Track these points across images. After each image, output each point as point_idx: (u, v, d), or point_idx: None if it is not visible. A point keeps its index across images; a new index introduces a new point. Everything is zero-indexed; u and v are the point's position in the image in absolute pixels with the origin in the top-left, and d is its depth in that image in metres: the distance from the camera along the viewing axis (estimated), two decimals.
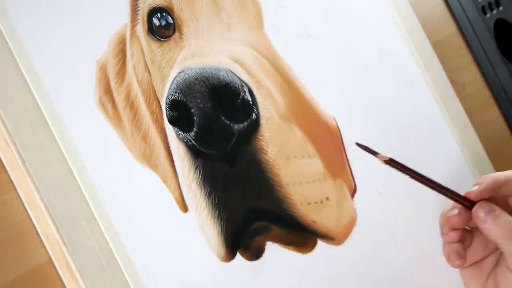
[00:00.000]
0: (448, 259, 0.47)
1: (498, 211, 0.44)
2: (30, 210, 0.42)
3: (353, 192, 0.51)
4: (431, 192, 0.47)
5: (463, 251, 0.46)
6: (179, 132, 0.44)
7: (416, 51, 0.59)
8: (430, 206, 0.54)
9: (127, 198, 0.43)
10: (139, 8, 0.47)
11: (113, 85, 0.45)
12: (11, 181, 0.42)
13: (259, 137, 0.46)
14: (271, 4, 0.52)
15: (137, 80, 0.46)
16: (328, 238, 0.49)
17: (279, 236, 0.47)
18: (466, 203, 0.46)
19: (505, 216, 0.43)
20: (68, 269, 0.41)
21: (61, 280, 0.42)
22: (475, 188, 0.45)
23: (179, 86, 0.44)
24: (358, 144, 0.48)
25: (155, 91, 0.46)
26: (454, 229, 0.47)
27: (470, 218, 0.46)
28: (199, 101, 0.43)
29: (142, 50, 0.46)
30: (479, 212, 0.44)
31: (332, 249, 0.49)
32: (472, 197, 0.45)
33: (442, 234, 0.47)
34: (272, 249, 0.47)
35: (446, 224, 0.47)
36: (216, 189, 0.45)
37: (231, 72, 0.45)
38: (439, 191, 0.46)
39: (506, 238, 0.42)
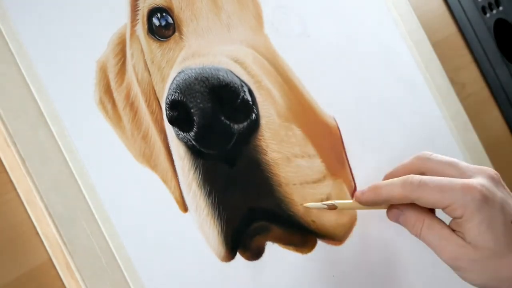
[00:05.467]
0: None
1: (404, 212, 0.43)
2: (30, 210, 0.42)
3: (353, 192, 0.51)
4: None
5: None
6: (179, 132, 0.44)
7: (416, 51, 0.59)
8: None
9: (127, 198, 0.43)
10: (139, 8, 0.47)
11: (113, 85, 0.45)
12: (11, 181, 0.42)
13: (259, 137, 0.46)
14: (271, 4, 0.52)
15: (137, 80, 0.46)
16: (328, 238, 0.49)
17: (279, 236, 0.47)
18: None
19: (411, 212, 0.43)
20: (68, 269, 0.41)
21: (61, 280, 0.41)
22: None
23: (179, 86, 0.44)
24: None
25: (155, 91, 0.46)
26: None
27: None
28: (199, 101, 0.43)
29: (142, 50, 0.46)
30: (391, 219, 0.45)
31: (332, 249, 0.49)
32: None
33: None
34: (272, 249, 0.47)
35: None
36: (216, 189, 0.45)
37: (231, 72, 0.45)
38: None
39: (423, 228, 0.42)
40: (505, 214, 0.40)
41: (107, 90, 0.44)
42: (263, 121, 0.46)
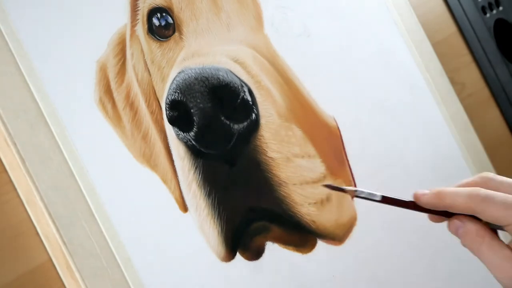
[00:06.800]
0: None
1: (466, 224, 0.43)
2: (30, 210, 0.42)
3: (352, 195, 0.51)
4: None
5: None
6: (179, 132, 0.44)
7: (416, 51, 0.59)
8: None
9: (127, 198, 0.43)
10: (139, 8, 0.47)
11: (113, 85, 0.45)
12: (11, 181, 0.42)
13: (259, 137, 0.46)
14: (271, 4, 0.52)
15: (137, 80, 0.46)
16: (328, 238, 0.49)
17: (279, 236, 0.47)
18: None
19: (473, 227, 0.43)
20: (68, 269, 0.41)
21: (61, 280, 0.42)
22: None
23: (179, 86, 0.44)
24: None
25: (155, 91, 0.46)
26: None
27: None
28: (198, 101, 0.43)
29: (142, 50, 0.46)
30: (450, 230, 0.44)
31: (332, 249, 0.49)
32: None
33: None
34: (272, 249, 0.47)
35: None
36: (216, 189, 0.45)
37: (231, 72, 0.45)
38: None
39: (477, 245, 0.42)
40: None
41: (107, 90, 0.44)
42: (263, 121, 0.46)
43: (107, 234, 0.42)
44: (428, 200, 0.44)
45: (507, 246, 0.41)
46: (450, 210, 0.44)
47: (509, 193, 0.42)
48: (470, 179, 0.45)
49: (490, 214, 0.41)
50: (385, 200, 0.44)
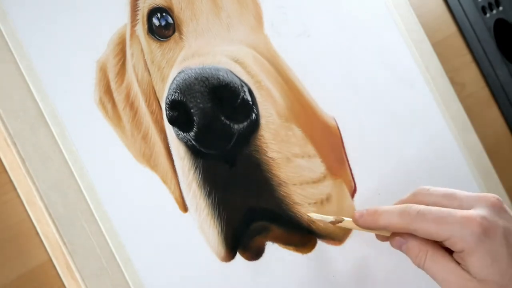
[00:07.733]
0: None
1: (408, 241, 0.42)
2: (30, 210, 0.42)
3: (353, 192, 0.51)
4: None
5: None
6: (179, 132, 0.44)
7: (416, 51, 0.59)
8: None
9: (127, 198, 0.43)
10: (139, 8, 0.47)
11: (113, 85, 0.45)
12: (11, 181, 0.42)
13: (259, 137, 0.46)
14: (271, 4, 0.52)
15: (137, 80, 0.46)
16: (328, 238, 0.49)
17: (279, 236, 0.47)
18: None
19: (414, 242, 0.41)
20: (68, 269, 0.41)
21: (61, 280, 0.42)
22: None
23: (179, 86, 0.44)
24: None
25: (155, 91, 0.46)
26: None
27: None
28: (198, 101, 0.43)
29: (142, 50, 0.46)
30: (394, 247, 0.43)
31: (332, 249, 0.49)
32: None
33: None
34: (272, 249, 0.47)
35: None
36: (216, 189, 0.45)
37: (231, 72, 0.45)
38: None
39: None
40: (509, 244, 0.38)
41: (107, 90, 0.44)
42: (263, 121, 0.46)
43: (107, 234, 0.42)
44: (365, 223, 0.43)
45: (452, 258, 0.40)
46: (388, 230, 0.42)
47: (441, 204, 0.41)
48: (405, 197, 0.44)
49: (424, 231, 0.39)
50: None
